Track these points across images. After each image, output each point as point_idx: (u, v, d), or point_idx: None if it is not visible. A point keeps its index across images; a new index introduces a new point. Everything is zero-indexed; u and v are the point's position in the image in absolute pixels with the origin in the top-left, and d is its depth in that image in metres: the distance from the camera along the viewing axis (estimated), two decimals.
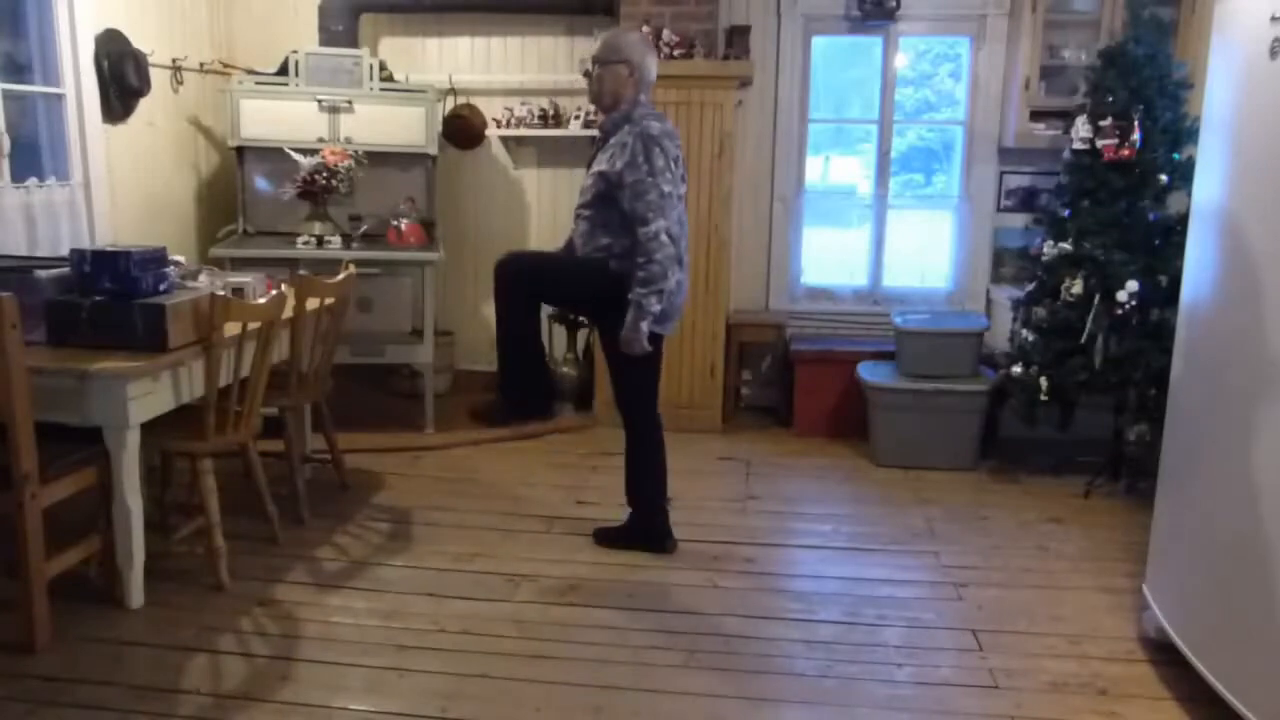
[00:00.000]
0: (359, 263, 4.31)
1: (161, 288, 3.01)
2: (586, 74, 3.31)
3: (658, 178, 3.10)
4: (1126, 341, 3.98)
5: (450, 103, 5.34)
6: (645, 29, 4.75)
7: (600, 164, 3.22)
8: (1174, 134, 4.04)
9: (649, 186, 3.09)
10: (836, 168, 5.60)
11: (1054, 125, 4.73)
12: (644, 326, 3.14)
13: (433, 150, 5.00)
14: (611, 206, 3.19)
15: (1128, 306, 3.93)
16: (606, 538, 3.53)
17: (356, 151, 4.72)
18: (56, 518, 2.74)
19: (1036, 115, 4.82)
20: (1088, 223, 4.08)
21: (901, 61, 5.21)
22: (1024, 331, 4.30)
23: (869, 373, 4.65)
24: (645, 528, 3.49)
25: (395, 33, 5.44)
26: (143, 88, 4.53)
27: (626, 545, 3.47)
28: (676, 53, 4.76)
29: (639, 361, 3.26)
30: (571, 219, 3.39)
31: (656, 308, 3.14)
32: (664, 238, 3.10)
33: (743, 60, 4.82)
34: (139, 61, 4.47)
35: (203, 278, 3.36)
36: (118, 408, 2.78)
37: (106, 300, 2.89)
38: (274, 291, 3.34)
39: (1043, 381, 4.12)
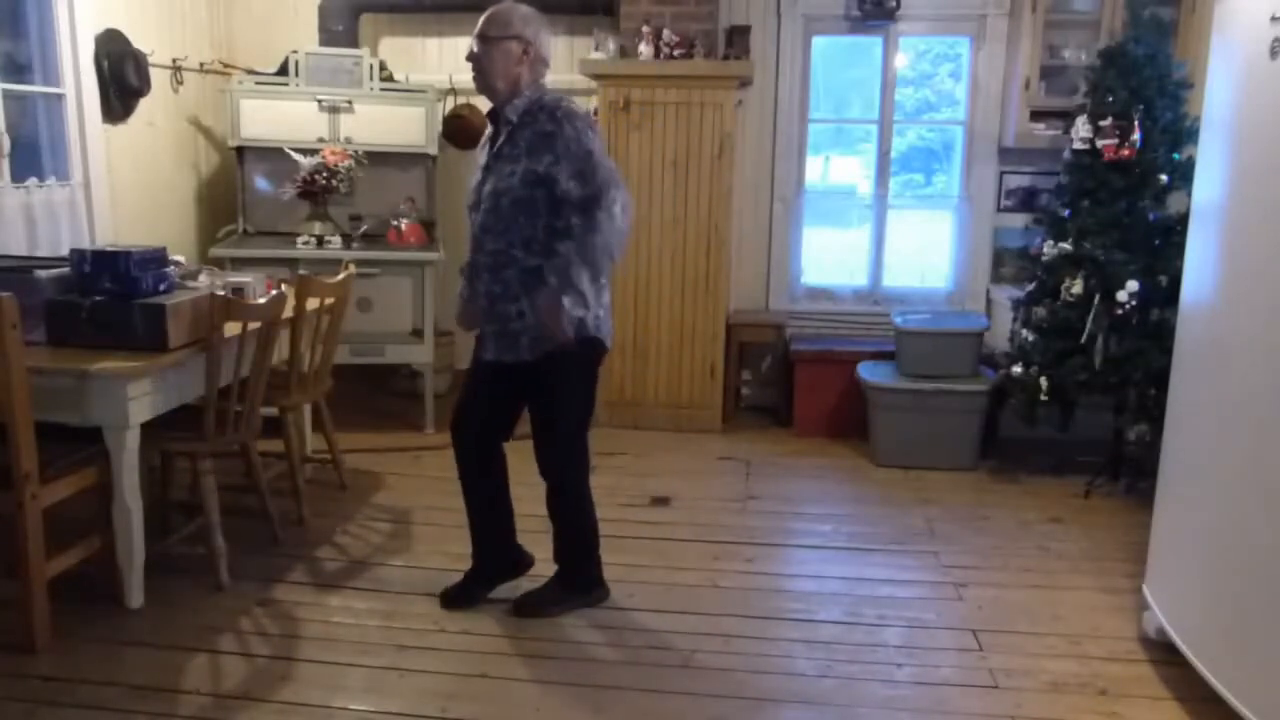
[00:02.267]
0: (359, 263, 4.33)
1: (161, 288, 3.02)
2: (471, 56, 2.73)
3: (602, 158, 2.66)
4: (1126, 341, 3.98)
5: (450, 103, 5.34)
6: (645, 29, 4.76)
7: (517, 161, 2.69)
8: (1174, 134, 4.04)
9: (595, 165, 2.62)
10: (836, 168, 5.60)
11: (1054, 125, 4.73)
12: (566, 302, 2.64)
13: (433, 150, 5.01)
14: (534, 213, 2.70)
15: (1128, 306, 3.93)
16: (533, 605, 3.03)
17: (356, 151, 4.73)
18: (56, 518, 2.74)
19: (1036, 115, 4.81)
20: (1088, 223, 4.08)
21: (901, 61, 5.20)
22: (1024, 331, 4.30)
23: (869, 373, 4.65)
24: (575, 579, 3.09)
25: (395, 33, 5.44)
26: (143, 88, 4.53)
27: (560, 608, 3.03)
28: (676, 53, 4.76)
29: (589, 381, 2.92)
30: None
31: (586, 288, 2.66)
32: (617, 209, 2.61)
33: (743, 60, 4.82)
34: (139, 61, 4.47)
35: (203, 278, 3.37)
36: (118, 408, 2.78)
37: (106, 300, 2.89)
38: (274, 291, 3.34)
39: (1043, 381, 4.12)
